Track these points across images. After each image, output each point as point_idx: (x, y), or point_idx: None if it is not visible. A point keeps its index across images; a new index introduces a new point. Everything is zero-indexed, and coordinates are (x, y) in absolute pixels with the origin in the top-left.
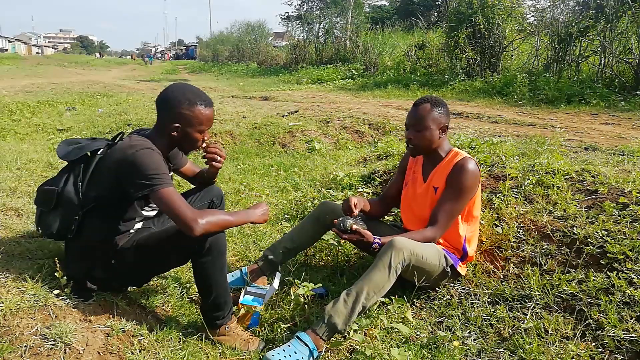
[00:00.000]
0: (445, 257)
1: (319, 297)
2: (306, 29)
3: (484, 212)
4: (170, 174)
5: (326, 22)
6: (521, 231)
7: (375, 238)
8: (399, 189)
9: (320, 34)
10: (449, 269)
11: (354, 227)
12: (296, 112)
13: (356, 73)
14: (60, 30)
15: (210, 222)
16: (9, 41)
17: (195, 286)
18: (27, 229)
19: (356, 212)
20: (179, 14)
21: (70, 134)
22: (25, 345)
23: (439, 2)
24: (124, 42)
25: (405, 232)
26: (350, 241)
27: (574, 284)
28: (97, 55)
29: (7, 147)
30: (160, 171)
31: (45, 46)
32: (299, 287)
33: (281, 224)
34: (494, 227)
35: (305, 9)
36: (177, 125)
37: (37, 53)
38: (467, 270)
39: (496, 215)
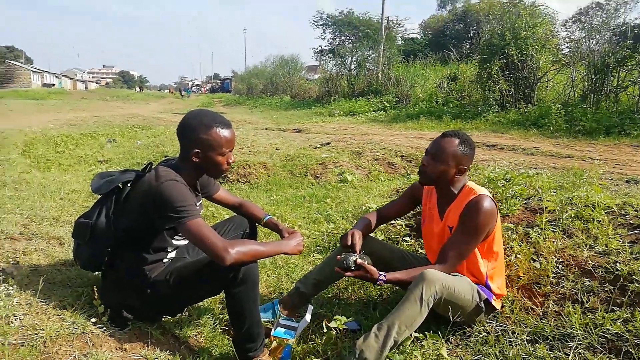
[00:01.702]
0: (479, 292)
1: (351, 332)
2: (339, 62)
3: (520, 246)
4: (200, 202)
5: (358, 55)
6: (560, 266)
7: (380, 274)
8: (397, 213)
9: (352, 66)
10: (482, 304)
11: (358, 261)
12: (328, 144)
13: (388, 105)
14: (104, 66)
15: (240, 252)
16: (57, 77)
17: (228, 317)
18: (68, 257)
19: (358, 247)
20: (215, 48)
21: (110, 165)
22: None
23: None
24: (163, 76)
25: (409, 268)
26: (353, 277)
27: (619, 324)
28: (137, 89)
29: (52, 177)
30: (186, 203)
31: (89, 81)
32: (332, 321)
33: (313, 256)
34: (532, 261)
35: (337, 43)
36: (198, 150)
37: (81, 88)
38: (504, 305)
39: (533, 250)
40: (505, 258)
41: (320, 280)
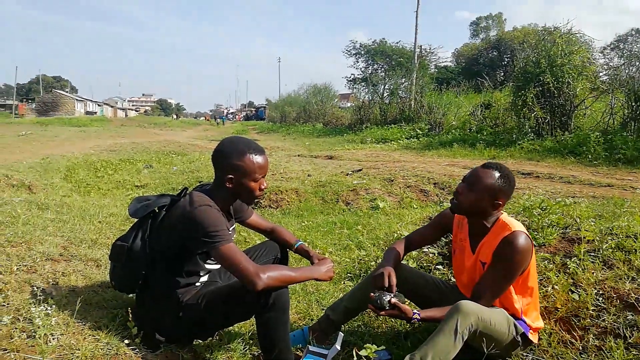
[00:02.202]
0: (515, 325)
1: None
2: (371, 90)
3: (558, 276)
4: (233, 227)
5: (391, 84)
6: (601, 299)
7: (414, 313)
8: (425, 241)
9: (385, 94)
10: (519, 338)
11: (392, 301)
12: (360, 170)
13: (421, 132)
14: (143, 95)
15: (272, 277)
16: (99, 105)
17: (258, 342)
18: (104, 279)
19: (393, 287)
20: (250, 77)
21: (147, 190)
22: None
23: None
24: (199, 104)
25: (442, 297)
26: (387, 316)
27: None
28: (174, 116)
29: (91, 201)
30: (219, 228)
31: (128, 109)
32: (362, 349)
33: (344, 283)
34: (570, 293)
35: (370, 72)
36: (232, 176)
37: (121, 115)
38: (541, 338)
39: (572, 281)
40: (541, 289)
41: (351, 308)
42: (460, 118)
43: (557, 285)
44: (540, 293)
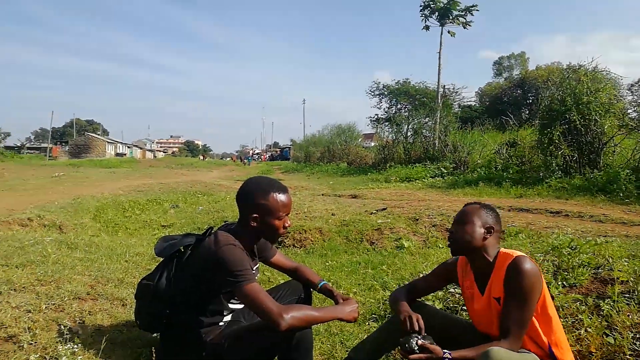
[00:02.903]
0: None
1: None
2: (395, 129)
3: (591, 318)
4: (257, 266)
5: (415, 123)
6: (638, 343)
7: (445, 353)
8: (428, 290)
9: (408, 134)
10: None
11: (420, 343)
12: (384, 209)
13: (445, 171)
14: (171, 136)
15: (295, 317)
16: (128, 147)
17: None
18: (129, 318)
19: (423, 329)
20: (275, 119)
21: (173, 229)
22: None
23: (529, 101)
24: (225, 145)
25: (470, 338)
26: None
27: None
28: (201, 157)
29: (119, 241)
30: (243, 267)
31: (157, 150)
32: None
33: (368, 324)
34: (604, 336)
35: (394, 111)
36: (256, 215)
37: (150, 156)
38: None
39: (606, 323)
40: (573, 332)
41: (375, 350)
42: (485, 156)
43: (590, 328)
44: (572, 336)
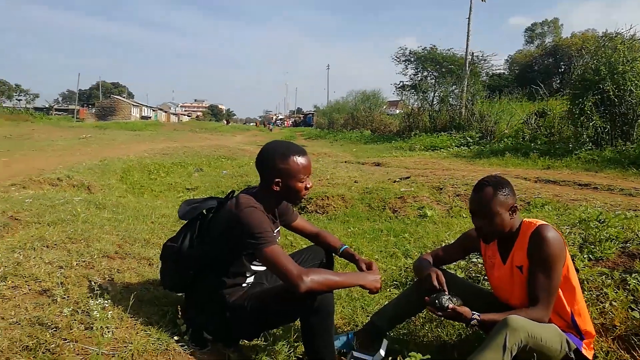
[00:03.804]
0: (568, 341)
1: None
2: (420, 97)
3: (616, 292)
4: (278, 229)
5: (441, 91)
6: None
7: (473, 314)
8: (450, 259)
9: (434, 102)
10: (572, 355)
11: (451, 306)
12: (408, 178)
13: (471, 141)
14: (195, 100)
15: (315, 281)
16: (153, 110)
17: (303, 345)
18: (156, 277)
19: (445, 287)
20: (299, 84)
21: (197, 192)
22: None
23: (561, 70)
24: (249, 110)
25: (493, 308)
26: (445, 317)
27: None
28: (224, 122)
29: (145, 202)
30: (264, 230)
31: (181, 114)
32: (407, 357)
33: (390, 291)
34: (629, 310)
35: (420, 79)
36: (278, 179)
37: (174, 120)
38: (597, 356)
39: (632, 298)
40: (598, 305)
41: (397, 316)
42: (512, 126)
43: (615, 301)
44: (596, 309)
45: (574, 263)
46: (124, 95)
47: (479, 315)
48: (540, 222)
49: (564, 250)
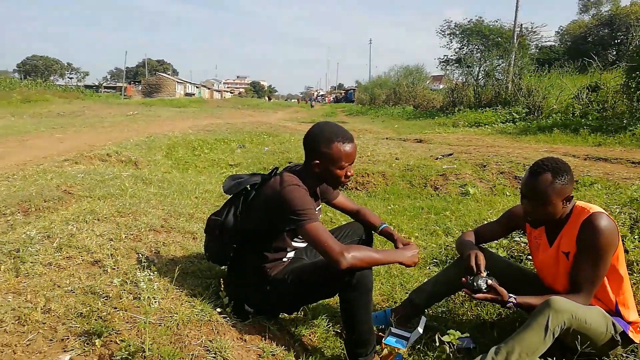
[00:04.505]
0: (614, 323)
1: (465, 349)
2: (465, 71)
3: None
4: (319, 207)
5: (487, 65)
6: None
7: (510, 297)
8: (492, 237)
9: (479, 76)
10: (618, 337)
11: (489, 283)
12: (451, 155)
13: (517, 116)
14: (238, 77)
15: (356, 257)
16: (196, 87)
17: (341, 320)
18: (200, 251)
19: (483, 270)
20: (341, 59)
21: (240, 169)
22: (191, 354)
23: (618, 41)
24: (290, 86)
25: (534, 288)
26: (481, 299)
27: None
28: (266, 98)
29: (189, 178)
30: (306, 207)
31: (224, 91)
32: (445, 334)
33: (429, 268)
34: None
35: (465, 52)
36: (318, 162)
37: (217, 97)
38: None
39: None
40: None
41: (435, 293)
42: (562, 101)
43: None
44: None
45: (624, 244)
46: (169, 73)
47: (515, 298)
48: (595, 208)
49: (616, 240)
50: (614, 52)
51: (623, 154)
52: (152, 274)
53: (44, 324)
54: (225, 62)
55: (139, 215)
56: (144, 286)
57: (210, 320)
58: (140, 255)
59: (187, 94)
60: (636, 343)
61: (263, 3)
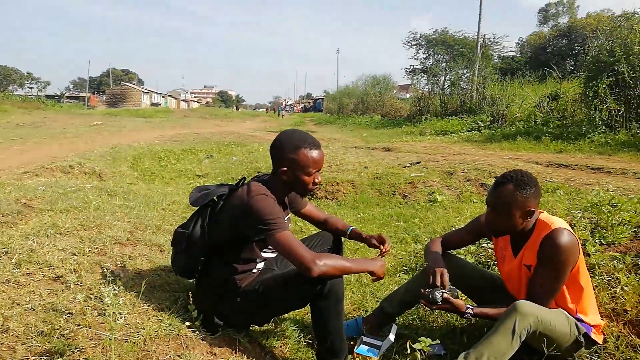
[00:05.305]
0: (577, 325)
1: (436, 356)
2: (431, 81)
3: (628, 277)
4: (288, 217)
5: (452, 74)
6: None
7: (467, 308)
8: (460, 244)
9: (445, 86)
10: (582, 338)
11: (445, 296)
12: (418, 163)
13: (482, 125)
14: (205, 86)
15: (328, 265)
16: (163, 97)
17: (312, 330)
18: (167, 264)
19: (446, 284)
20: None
21: (207, 179)
22: None
23: (575, 52)
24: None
25: (500, 293)
26: (438, 309)
27: None
28: (234, 108)
29: (155, 189)
30: (275, 216)
31: (191, 100)
32: (416, 342)
33: (399, 276)
34: None
35: (431, 62)
36: (285, 169)
37: (184, 106)
38: (607, 341)
39: None
40: (609, 289)
41: (406, 301)
42: (524, 110)
43: (627, 286)
44: (607, 294)
45: (585, 249)
46: (134, 82)
47: (472, 309)
48: (557, 223)
49: (576, 255)
50: (572, 62)
51: (583, 161)
52: (117, 288)
53: (1, 344)
54: (192, 72)
55: (103, 229)
56: (109, 301)
57: (178, 334)
58: (105, 270)
59: (153, 104)
60: (599, 344)
61: (229, 13)
